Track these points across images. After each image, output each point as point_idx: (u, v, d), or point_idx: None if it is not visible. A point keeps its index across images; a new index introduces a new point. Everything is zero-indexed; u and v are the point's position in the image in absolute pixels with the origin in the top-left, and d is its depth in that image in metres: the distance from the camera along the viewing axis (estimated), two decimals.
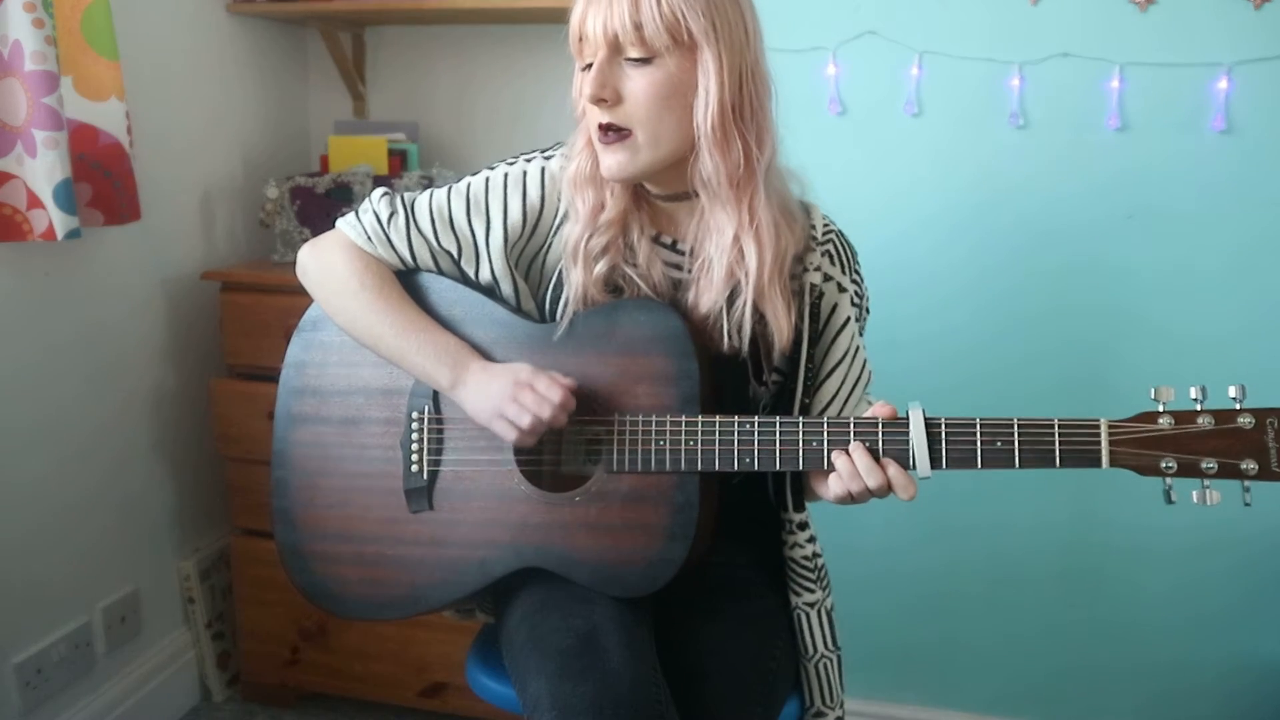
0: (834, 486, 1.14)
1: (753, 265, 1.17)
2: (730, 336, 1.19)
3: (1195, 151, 1.77)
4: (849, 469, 1.11)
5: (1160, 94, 1.76)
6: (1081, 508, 1.93)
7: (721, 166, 1.14)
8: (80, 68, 1.71)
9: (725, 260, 1.18)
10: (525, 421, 1.16)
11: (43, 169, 1.60)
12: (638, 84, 1.12)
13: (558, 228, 1.26)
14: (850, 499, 1.13)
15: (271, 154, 2.34)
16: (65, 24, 1.69)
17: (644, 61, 1.11)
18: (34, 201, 1.62)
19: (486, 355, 1.24)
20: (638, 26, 1.09)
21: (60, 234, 1.62)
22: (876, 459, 1.11)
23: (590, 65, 1.14)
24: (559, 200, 1.25)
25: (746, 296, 1.18)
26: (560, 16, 1.94)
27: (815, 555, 1.29)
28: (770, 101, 1.18)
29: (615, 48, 1.12)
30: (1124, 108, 1.78)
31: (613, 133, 1.14)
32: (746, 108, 1.14)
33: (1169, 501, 1.05)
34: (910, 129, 1.88)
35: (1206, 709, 1.94)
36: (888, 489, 1.11)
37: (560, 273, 1.25)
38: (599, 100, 1.13)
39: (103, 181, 1.76)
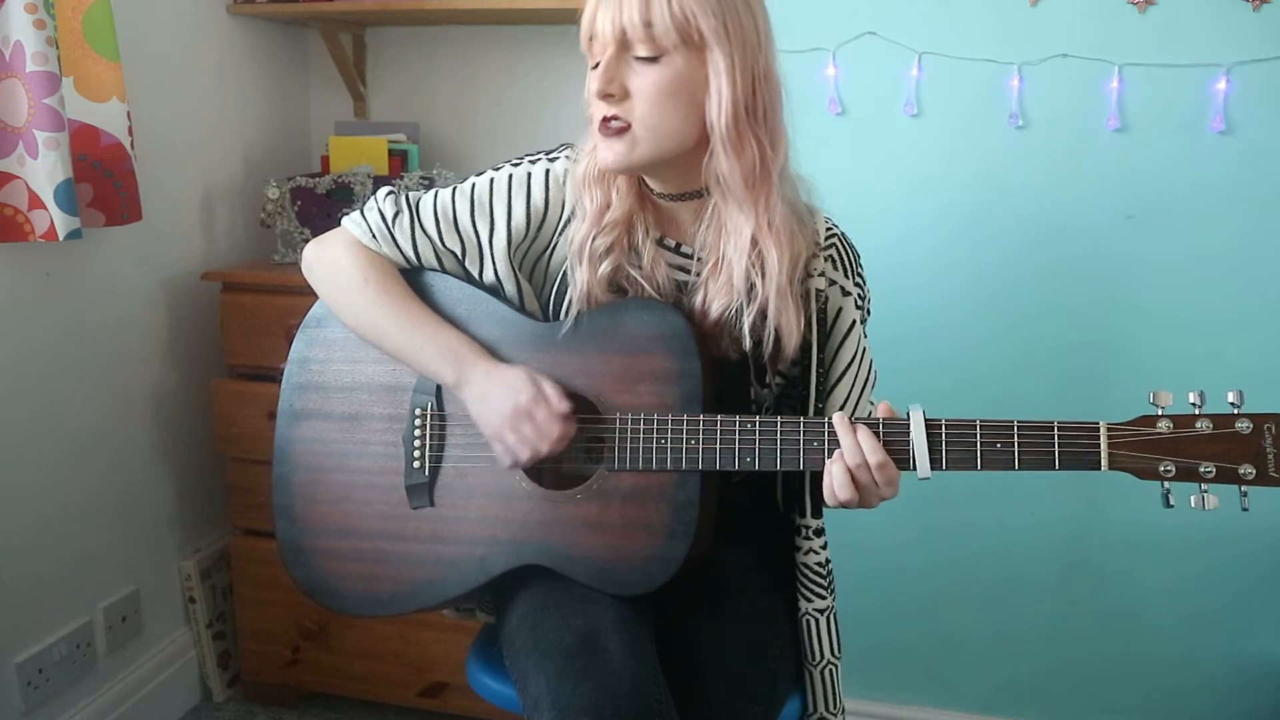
0: (835, 469, 1.11)
1: (773, 268, 1.17)
2: (740, 340, 1.19)
3: (1194, 152, 1.77)
4: (854, 447, 1.09)
5: (1159, 95, 1.76)
6: (1081, 505, 1.94)
7: (736, 166, 1.15)
8: (81, 68, 1.72)
9: (744, 262, 1.18)
10: (523, 455, 1.19)
11: (44, 170, 1.60)
12: (644, 81, 1.12)
13: (562, 229, 1.26)
14: (853, 486, 1.11)
15: (272, 154, 2.34)
16: (66, 25, 1.69)
17: (652, 60, 1.12)
18: (35, 202, 1.62)
19: (491, 353, 1.24)
20: (647, 24, 1.10)
21: (62, 234, 1.62)
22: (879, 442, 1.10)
23: (599, 64, 1.14)
24: (563, 202, 1.26)
25: (762, 300, 1.18)
26: (561, 17, 1.94)
27: (827, 561, 1.29)
28: (782, 105, 1.19)
29: (624, 44, 1.12)
30: (1123, 108, 1.78)
31: (612, 124, 1.15)
32: (760, 109, 1.15)
33: (1167, 505, 1.06)
34: (910, 130, 1.88)
35: (1206, 706, 1.94)
36: (894, 469, 1.09)
37: (564, 274, 1.25)
38: (605, 95, 1.13)
39: (104, 182, 1.76)
